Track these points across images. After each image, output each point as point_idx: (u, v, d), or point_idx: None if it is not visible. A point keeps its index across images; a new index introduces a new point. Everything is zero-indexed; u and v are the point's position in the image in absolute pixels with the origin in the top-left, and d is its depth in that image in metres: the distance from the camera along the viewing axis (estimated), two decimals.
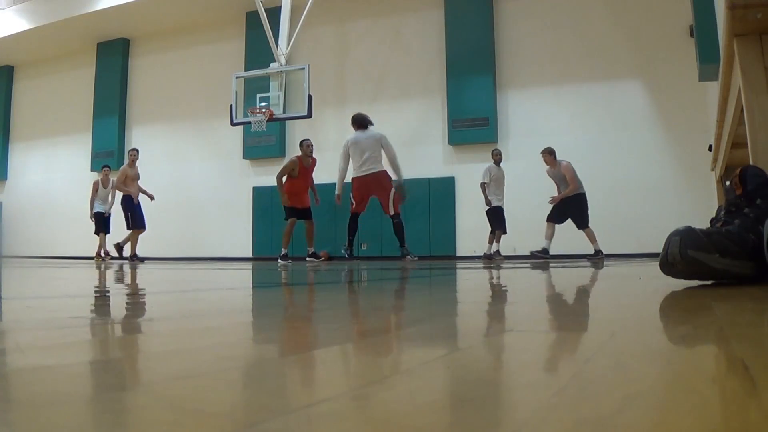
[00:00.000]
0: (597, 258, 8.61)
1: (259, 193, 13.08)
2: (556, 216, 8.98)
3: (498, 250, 9.63)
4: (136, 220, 10.18)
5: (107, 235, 11.16)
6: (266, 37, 11.03)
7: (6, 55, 16.39)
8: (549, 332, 0.84)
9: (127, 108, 15.26)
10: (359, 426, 0.36)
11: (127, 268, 5.64)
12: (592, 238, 8.91)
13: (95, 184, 11.26)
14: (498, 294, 1.88)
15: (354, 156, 8.09)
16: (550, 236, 8.97)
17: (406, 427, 0.36)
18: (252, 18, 12.97)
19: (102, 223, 11.14)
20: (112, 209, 11.15)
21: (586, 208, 8.88)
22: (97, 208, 11.16)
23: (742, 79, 1.81)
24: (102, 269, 5.08)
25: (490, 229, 9.81)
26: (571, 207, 8.85)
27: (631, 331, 0.83)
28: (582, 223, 8.89)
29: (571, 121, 11.09)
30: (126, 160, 10.74)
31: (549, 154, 9.00)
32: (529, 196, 11.19)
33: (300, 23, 11.10)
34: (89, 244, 14.88)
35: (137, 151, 10.55)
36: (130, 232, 10.21)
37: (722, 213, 1.70)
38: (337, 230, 11.41)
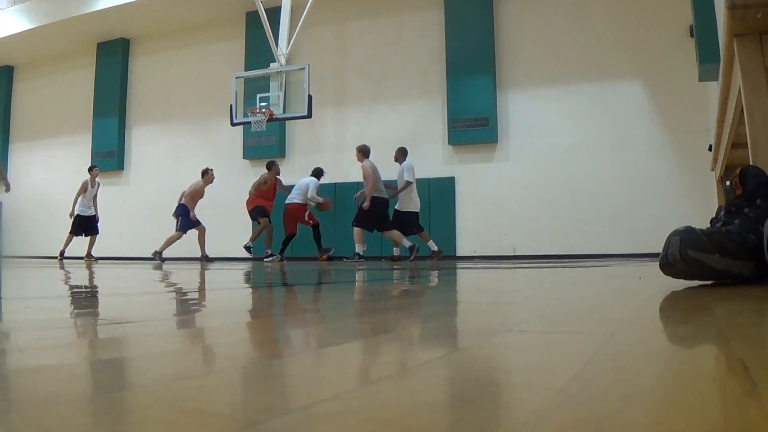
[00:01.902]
0: (353, 260, 9.15)
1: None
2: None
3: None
4: (185, 225, 10.47)
5: (96, 236, 11.31)
6: (266, 37, 11.03)
7: (6, 55, 16.38)
8: (549, 332, 0.84)
9: (127, 108, 15.26)
10: (359, 426, 0.36)
11: (156, 268, 5.64)
12: (358, 239, 9.41)
13: (84, 183, 11.32)
14: (497, 294, 1.88)
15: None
16: (401, 239, 9.38)
17: (406, 427, 0.36)
18: (252, 18, 12.96)
19: (79, 225, 11.25)
20: (90, 210, 11.32)
21: (374, 214, 9.20)
22: (80, 210, 11.24)
23: (742, 79, 1.81)
24: (64, 269, 5.08)
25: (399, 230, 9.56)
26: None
27: (631, 331, 0.83)
28: (357, 220, 9.34)
29: (571, 121, 11.09)
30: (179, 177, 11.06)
31: (360, 151, 9.52)
32: (529, 196, 11.19)
33: (300, 23, 11.09)
34: (89, 243, 14.88)
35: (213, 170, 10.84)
36: (174, 234, 10.48)
37: (722, 213, 1.70)
38: (337, 231, 11.41)
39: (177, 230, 10.52)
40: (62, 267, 5.81)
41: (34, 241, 15.73)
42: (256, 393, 0.48)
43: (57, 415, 0.39)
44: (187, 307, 1.52)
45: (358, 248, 9.33)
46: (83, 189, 11.28)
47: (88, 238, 11.46)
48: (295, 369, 0.60)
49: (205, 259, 10.45)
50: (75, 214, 11.28)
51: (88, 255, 11.32)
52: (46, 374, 0.54)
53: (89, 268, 5.72)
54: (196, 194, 10.64)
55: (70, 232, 11.37)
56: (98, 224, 11.55)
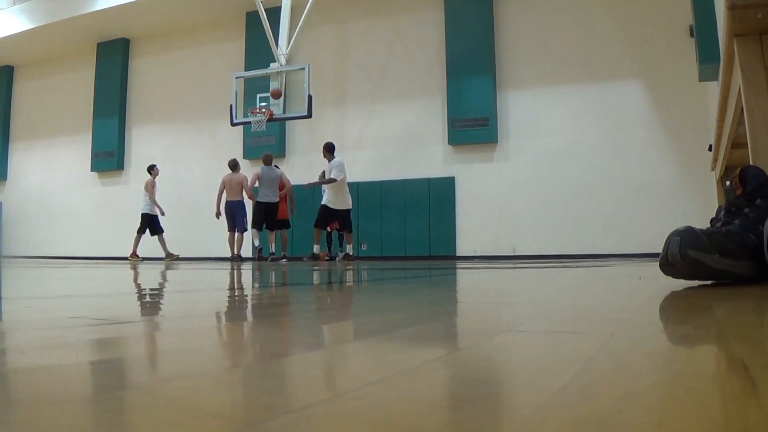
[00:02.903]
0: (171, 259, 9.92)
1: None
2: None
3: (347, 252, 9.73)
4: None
5: (162, 233, 11.15)
6: (266, 37, 11.03)
7: (6, 55, 16.39)
8: (549, 332, 0.84)
9: (127, 108, 15.27)
10: (359, 426, 0.36)
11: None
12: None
13: (152, 183, 11.04)
14: (498, 294, 1.88)
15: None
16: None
17: (406, 427, 0.36)
18: (252, 18, 12.97)
19: (147, 223, 11.03)
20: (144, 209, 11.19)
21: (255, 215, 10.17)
22: (147, 209, 11.00)
23: (742, 79, 1.81)
24: (137, 269, 5.08)
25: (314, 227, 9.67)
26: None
27: (631, 331, 0.83)
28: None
29: (571, 121, 11.09)
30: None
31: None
32: (529, 196, 11.19)
33: (300, 23, 11.10)
34: (89, 244, 14.88)
35: None
36: (236, 235, 10.51)
37: (722, 213, 1.70)
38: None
39: (243, 230, 10.48)
40: (135, 267, 5.72)
41: (34, 241, 15.73)
42: (256, 393, 0.48)
43: (57, 415, 0.39)
44: (187, 306, 1.52)
45: (256, 243, 10.14)
46: (153, 187, 11.03)
47: (154, 237, 11.17)
48: (295, 369, 0.60)
49: (238, 259, 10.40)
50: (143, 213, 11.04)
51: (168, 254, 11.03)
52: (46, 374, 0.54)
53: (169, 267, 5.60)
54: None
55: (154, 234, 11.08)
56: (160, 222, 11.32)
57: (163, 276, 3.75)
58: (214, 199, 10.87)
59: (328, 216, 9.39)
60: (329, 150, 9.55)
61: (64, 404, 0.42)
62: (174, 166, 14.26)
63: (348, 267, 5.77)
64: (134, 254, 11.04)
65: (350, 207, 9.53)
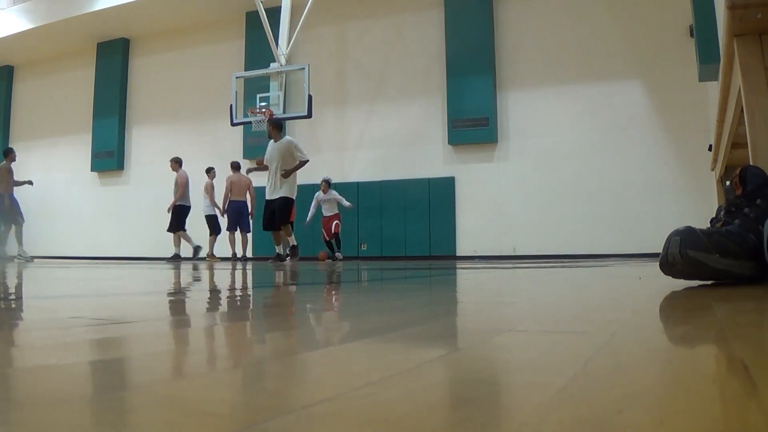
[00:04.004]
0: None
1: (259, 193, 13.07)
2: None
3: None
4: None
5: (217, 235, 10.99)
6: (266, 37, 11.03)
7: (6, 55, 16.39)
8: (549, 332, 0.84)
9: (127, 108, 15.27)
10: (359, 426, 0.36)
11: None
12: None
13: (211, 185, 10.97)
14: (497, 294, 1.88)
15: None
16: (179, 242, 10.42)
17: (406, 428, 0.36)
18: (252, 18, 12.97)
19: (210, 224, 10.93)
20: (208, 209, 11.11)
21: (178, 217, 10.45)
22: (207, 210, 10.91)
23: (742, 79, 1.81)
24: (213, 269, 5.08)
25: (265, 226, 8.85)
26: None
27: (631, 331, 0.83)
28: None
29: (571, 121, 11.09)
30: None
31: (175, 162, 10.61)
32: (529, 195, 11.19)
33: (300, 23, 11.10)
34: (89, 244, 14.85)
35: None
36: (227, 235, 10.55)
37: (722, 213, 1.70)
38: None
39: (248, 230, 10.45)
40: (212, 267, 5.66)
41: (34, 241, 15.72)
42: (256, 393, 0.48)
43: (57, 415, 0.39)
44: (186, 307, 1.52)
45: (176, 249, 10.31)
46: (212, 189, 10.93)
47: (211, 237, 11.03)
48: (295, 369, 0.60)
49: (239, 259, 10.35)
50: (206, 215, 10.97)
51: (210, 255, 10.84)
52: (46, 374, 0.54)
53: (211, 267, 5.56)
54: None
55: (214, 233, 10.96)
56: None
57: (163, 276, 3.75)
58: (218, 199, 10.83)
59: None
60: (279, 127, 7.88)
61: (64, 404, 0.42)
62: None
63: (279, 268, 5.36)
64: (211, 255, 10.89)
65: (293, 196, 7.88)
